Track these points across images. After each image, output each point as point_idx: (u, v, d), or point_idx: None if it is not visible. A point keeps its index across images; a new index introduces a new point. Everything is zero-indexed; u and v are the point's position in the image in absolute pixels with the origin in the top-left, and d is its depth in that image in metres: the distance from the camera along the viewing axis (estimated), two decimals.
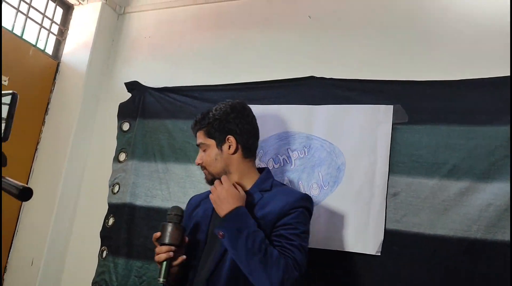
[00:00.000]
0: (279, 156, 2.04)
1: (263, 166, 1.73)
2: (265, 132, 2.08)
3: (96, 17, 2.54)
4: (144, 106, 2.37)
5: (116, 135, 2.40)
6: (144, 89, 2.39)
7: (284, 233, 1.38)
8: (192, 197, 1.77)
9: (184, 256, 1.40)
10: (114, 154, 2.37)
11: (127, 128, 2.38)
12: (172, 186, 2.20)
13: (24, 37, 2.37)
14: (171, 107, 2.32)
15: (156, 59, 2.49)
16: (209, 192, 1.50)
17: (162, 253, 1.36)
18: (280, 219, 1.40)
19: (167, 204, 2.17)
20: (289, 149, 2.03)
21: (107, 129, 2.45)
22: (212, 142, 1.56)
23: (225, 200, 1.40)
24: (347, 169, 1.92)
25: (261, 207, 1.45)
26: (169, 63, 2.45)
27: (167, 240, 1.36)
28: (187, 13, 2.50)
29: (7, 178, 0.82)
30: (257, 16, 2.32)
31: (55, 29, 2.57)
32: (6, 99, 0.86)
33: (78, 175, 2.44)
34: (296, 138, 2.04)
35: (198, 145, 1.61)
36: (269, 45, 2.24)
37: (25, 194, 0.79)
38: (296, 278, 1.32)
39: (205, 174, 1.60)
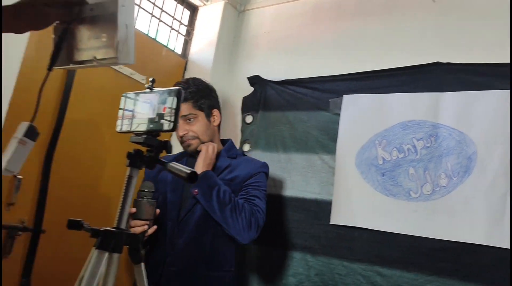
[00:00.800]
0: (403, 145, 2.00)
1: (386, 155, 1.81)
2: (388, 121, 2.07)
3: (219, 16, 2.69)
4: (265, 99, 2.47)
5: (240, 127, 2.53)
6: (265, 82, 2.49)
7: (250, 189, 1.78)
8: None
9: (155, 226, 1.60)
10: (238, 145, 2.50)
11: (250, 120, 2.50)
12: (294, 175, 2.27)
13: (157, 39, 2.60)
14: (291, 99, 2.38)
15: (276, 52, 2.58)
16: (172, 157, 1.86)
17: (137, 226, 1.52)
18: (246, 180, 1.80)
19: (289, 193, 2.25)
20: (414, 138, 1.99)
21: (231, 122, 2.59)
22: (201, 113, 1.81)
23: (205, 162, 1.72)
24: (479, 159, 1.83)
25: (229, 172, 1.81)
26: (288, 56, 2.52)
27: (143, 216, 1.53)
28: (305, 6, 2.54)
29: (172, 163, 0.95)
30: (378, 3, 2.29)
31: (183, 30, 2.77)
32: (171, 93, 0.97)
33: None
34: (421, 127, 1.98)
35: (184, 116, 1.77)
36: (392, 32, 2.19)
37: (192, 176, 0.91)
38: (262, 220, 1.74)
39: (190, 144, 1.79)
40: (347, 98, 2.21)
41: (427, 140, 1.96)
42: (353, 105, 2.18)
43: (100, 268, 0.90)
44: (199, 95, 1.82)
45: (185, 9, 2.78)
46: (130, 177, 0.98)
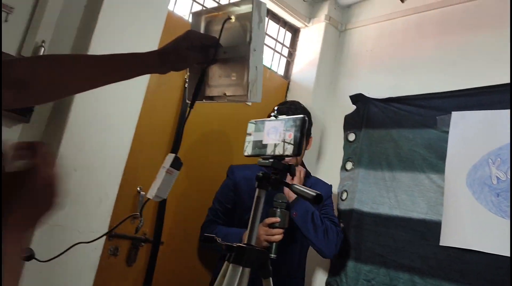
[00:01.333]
0: None
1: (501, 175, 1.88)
2: (502, 138, 1.98)
3: (321, 36, 2.76)
4: (368, 117, 2.47)
5: (342, 145, 2.56)
6: (368, 100, 2.50)
7: (329, 210, 2.11)
8: (236, 167, 2.16)
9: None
10: (341, 163, 2.53)
11: (353, 138, 2.52)
12: (400, 194, 2.24)
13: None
14: (395, 116, 2.37)
15: (378, 70, 2.58)
16: (253, 167, 1.92)
17: (278, 234, 1.71)
18: (325, 200, 2.05)
19: (395, 212, 2.23)
20: None
21: (333, 140, 2.63)
22: None
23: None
24: None
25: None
26: (391, 74, 2.51)
27: (284, 225, 1.73)
28: (407, 23, 2.52)
29: (297, 185, 1.02)
30: (487, 16, 2.21)
31: (285, 51, 2.87)
32: (295, 121, 1.05)
33: None
34: None
35: None
36: (502, 45, 2.10)
37: (318, 198, 0.97)
38: (342, 238, 2.10)
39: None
40: (456, 115, 2.14)
41: None
42: (463, 122, 2.12)
43: (235, 282, 0.99)
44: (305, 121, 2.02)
45: (287, 32, 2.89)
46: (258, 198, 1.07)
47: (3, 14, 1.69)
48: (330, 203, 2.16)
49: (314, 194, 1.00)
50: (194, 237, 2.25)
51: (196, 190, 2.33)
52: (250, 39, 1.04)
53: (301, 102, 2.70)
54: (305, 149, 2.10)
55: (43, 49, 1.74)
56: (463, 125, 2.11)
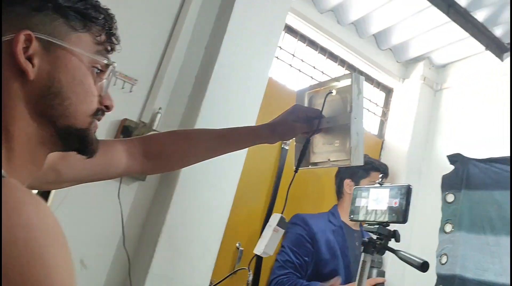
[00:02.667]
0: None
1: None
2: None
3: (415, 96, 2.78)
4: (468, 177, 2.40)
5: (440, 206, 2.49)
6: (467, 160, 2.43)
7: None
8: (307, 217, 2.14)
9: None
10: (438, 225, 2.45)
11: (452, 199, 2.45)
12: (505, 260, 2.12)
13: None
14: (498, 177, 2.28)
15: (476, 130, 2.52)
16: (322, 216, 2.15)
17: None
18: None
19: (501, 280, 2.10)
20: None
21: (429, 200, 2.57)
22: None
23: None
24: None
25: None
26: (491, 134, 2.44)
27: None
28: (507, 82, 2.46)
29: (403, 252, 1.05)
30: None
31: (378, 111, 2.91)
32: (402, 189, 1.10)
33: (406, 243, 2.59)
34: None
35: None
36: None
37: (425, 266, 0.99)
38: None
39: None
40: None
41: None
42: None
43: None
44: None
45: (381, 91, 2.94)
46: (364, 262, 1.11)
47: (128, 85, 1.94)
48: None
49: (420, 261, 1.02)
50: None
51: None
52: (351, 109, 1.12)
53: (396, 161, 2.73)
54: None
55: (159, 115, 1.96)
56: None
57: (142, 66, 1.98)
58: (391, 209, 1.08)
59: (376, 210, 1.13)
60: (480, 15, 2.37)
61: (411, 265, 1.04)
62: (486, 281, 2.16)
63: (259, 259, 2.22)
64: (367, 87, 2.89)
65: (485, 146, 2.43)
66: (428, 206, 2.59)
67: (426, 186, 2.65)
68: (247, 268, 1.85)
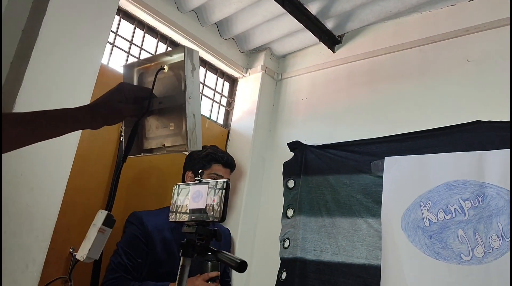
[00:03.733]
0: (450, 206, 1.98)
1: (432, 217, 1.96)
2: (431, 182, 2.05)
3: (258, 86, 2.82)
4: (306, 164, 2.51)
5: (282, 192, 2.57)
6: (305, 147, 2.55)
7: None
8: (144, 215, 2.01)
9: None
10: (282, 210, 2.53)
11: (292, 185, 2.54)
12: (340, 240, 2.26)
13: (202, 113, 2.73)
14: (332, 162, 2.42)
15: (313, 118, 2.65)
16: (162, 213, 1.92)
17: None
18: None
19: (336, 258, 2.24)
20: (460, 199, 1.96)
21: (273, 186, 2.64)
22: None
23: None
24: None
25: None
26: (326, 121, 2.58)
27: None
28: (339, 72, 2.63)
29: (224, 252, 1.00)
30: (411, 66, 2.34)
31: (223, 101, 2.90)
32: (219, 185, 1.04)
33: (251, 230, 2.64)
34: (467, 187, 1.96)
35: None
36: (428, 92, 2.22)
37: (243, 266, 0.95)
38: None
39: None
40: (388, 160, 2.22)
41: (474, 200, 1.93)
42: (395, 167, 2.19)
43: None
44: None
45: (225, 82, 2.93)
46: (183, 267, 1.03)
47: None
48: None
49: (238, 261, 0.98)
50: None
51: None
52: (185, 87, 1.03)
53: (241, 149, 2.74)
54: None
55: None
56: (396, 170, 2.18)
57: None
58: (209, 207, 1.02)
59: (195, 209, 1.06)
60: (313, 8, 2.47)
61: (230, 266, 1.00)
62: (324, 261, 2.28)
63: (96, 265, 2.05)
64: (212, 77, 2.85)
65: (321, 133, 2.56)
66: (272, 193, 2.66)
67: (270, 174, 2.72)
68: (66, 276, 1.68)
